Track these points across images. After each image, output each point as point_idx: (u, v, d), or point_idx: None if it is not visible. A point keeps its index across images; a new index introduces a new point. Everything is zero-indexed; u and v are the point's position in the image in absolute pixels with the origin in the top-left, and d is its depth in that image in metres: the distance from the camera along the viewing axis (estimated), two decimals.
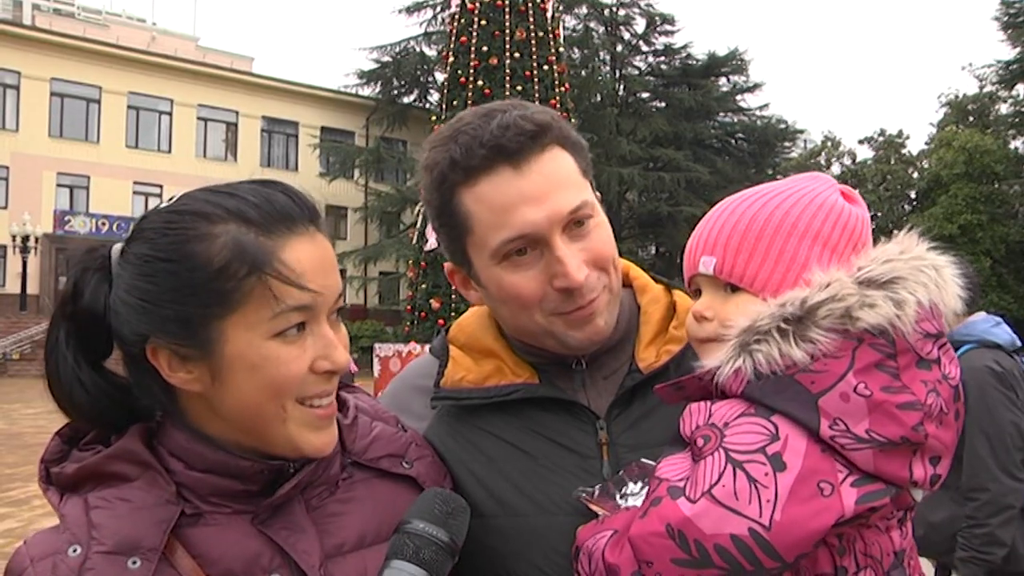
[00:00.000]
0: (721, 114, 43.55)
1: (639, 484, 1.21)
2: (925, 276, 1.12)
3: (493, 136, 1.23)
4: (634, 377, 1.36)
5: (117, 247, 1.12)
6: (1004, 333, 3.65)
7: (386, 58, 40.31)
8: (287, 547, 1.09)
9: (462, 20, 15.08)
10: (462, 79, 14.47)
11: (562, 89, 15.56)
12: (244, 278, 1.02)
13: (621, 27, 40.95)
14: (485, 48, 14.72)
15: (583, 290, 1.27)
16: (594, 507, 1.21)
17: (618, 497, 1.20)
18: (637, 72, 42.13)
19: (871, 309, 1.07)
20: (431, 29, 39.00)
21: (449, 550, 1.11)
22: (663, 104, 41.67)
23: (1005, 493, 3.39)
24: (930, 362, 1.09)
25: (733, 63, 41.98)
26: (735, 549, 1.00)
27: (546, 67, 15.06)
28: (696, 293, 1.26)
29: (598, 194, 1.41)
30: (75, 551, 1.00)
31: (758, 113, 43.88)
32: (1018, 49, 34.67)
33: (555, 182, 1.25)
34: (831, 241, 1.17)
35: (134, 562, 1.00)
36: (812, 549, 1.03)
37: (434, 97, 38.71)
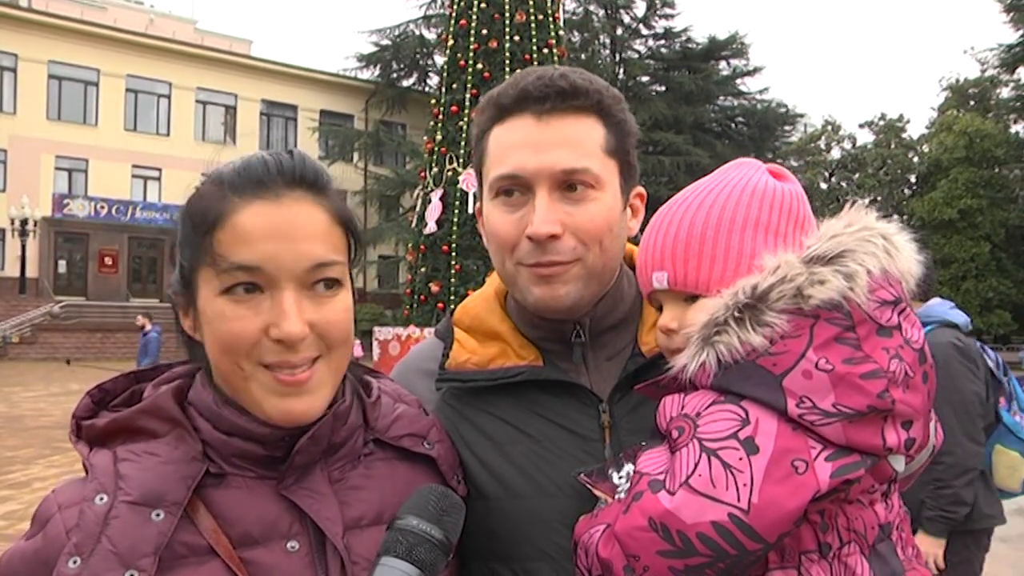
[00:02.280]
0: (721, 98, 43.32)
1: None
2: (873, 246, 1.13)
3: (527, 83, 1.30)
4: (636, 361, 1.37)
5: None
6: (960, 315, 3.96)
7: (385, 41, 40.09)
8: (311, 512, 1.12)
9: (461, 3, 15.00)
10: (462, 62, 14.40)
11: None
12: (205, 235, 1.09)
13: (621, 10, 40.72)
14: (485, 31, 14.64)
15: (546, 247, 1.28)
16: (593, 489, 1.22)
17: (616, 478, 1.21)
18: (637, 56, 41.91)
19: (821, 285, 1.08)
20: (430, 12, 38.77)
21: (443, 548, 1.09)
22: (663, 88, 41.48)
23: (969, 457, 3.71)
24: (891, 328, 1.10)
25: (733, 47, 41.76)
26: (717, 535, 1.02)
27: (546, 50, 14.99)
28: (659, 308, 1.27)
29: (640, 189, 1.44)
30: (102, 499, 1.03)
31: (758, 97, 43.67)
32: (1020, 32, 34.51)
33: (563, 139, 1.28)
34: (772, 225, 1.18)
35: (157, 514, 1.03)
36: (793, 527, 1.04)
37: (433, 80, 38.55)
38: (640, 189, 1.45)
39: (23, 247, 33.14)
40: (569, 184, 1.28)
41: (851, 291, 1.08)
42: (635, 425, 1.33)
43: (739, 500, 1.02)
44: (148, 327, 14.38)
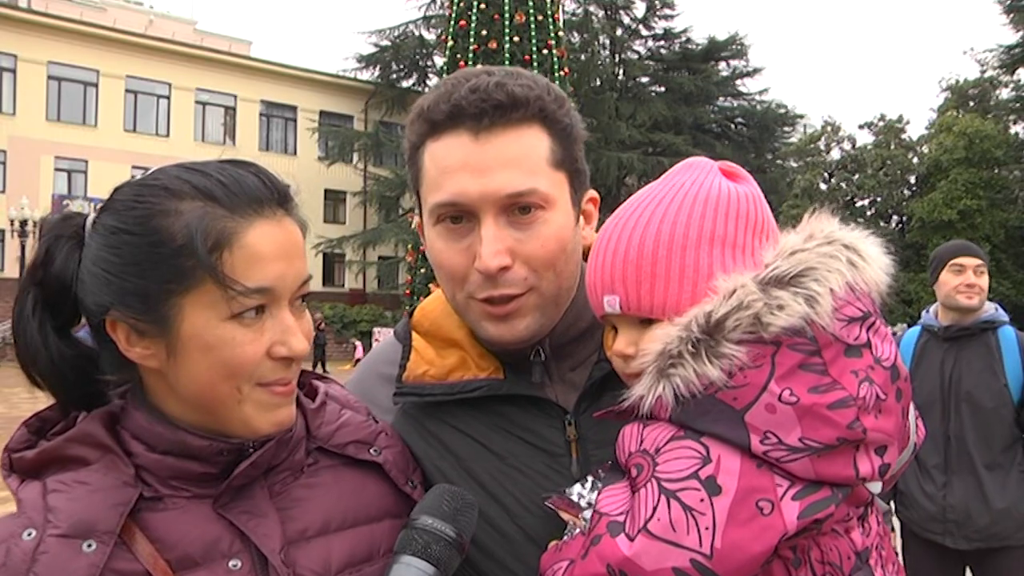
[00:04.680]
0: (721, 99, 43.44)
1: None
2: (836, 261, 1.06)
3: (459, 96, 1.18)
4: (602, 368, 1.28)
5: (92, 216, 1.11)
6: None
7: (385, 42, 40.14)
8: (247, 530, 1.08)
9: (461, 3, 15.01)
10: (461, 63, 14.41)
11: (561, 73, 15.52)
12: (209, 256, 1.01)
13: (621, 11, 40.80)
14: (484, 32, 14.66)
15: (497, 280, 1.20)
16: (562, 514, 1.18)
17: (582, 503, 1.17)
18: (637, 56, 41.98)
19: (780, 311, 1.00)
20: (430, 12, 38.81)
21: (457, 546, 1.11)
22: (663, 88, 41.56)
23: None
24: (860, 347, 1.03)
25: (733, 47, 41.85)
26: None
27: (545, 51, 15.02)
28: (613, 329, 1.18)
29: (593, 193, 1.35)
30: (30, 535, 0.99)
31: (758, 98, 43.81)
32: (1020, 33, 34.51)
33: (506, 159, 1.18)
34: (728, 237, 1.09)
35: (89, 545, 0.99)
36: (760, 570, 0.99)
37: (433, 81, 38.52)
38: (592, 193, 1.34)
39: (23, 248, 33.03)
40: (516, 207, 1.19)
41: (815, 314, 1.00)
42: (602, 437, 1.24)
43: (701, 545, 0.96)
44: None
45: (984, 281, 3.81)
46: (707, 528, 0.96)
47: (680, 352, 1.03)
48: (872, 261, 1.09)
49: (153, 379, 1.10)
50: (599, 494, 1.10)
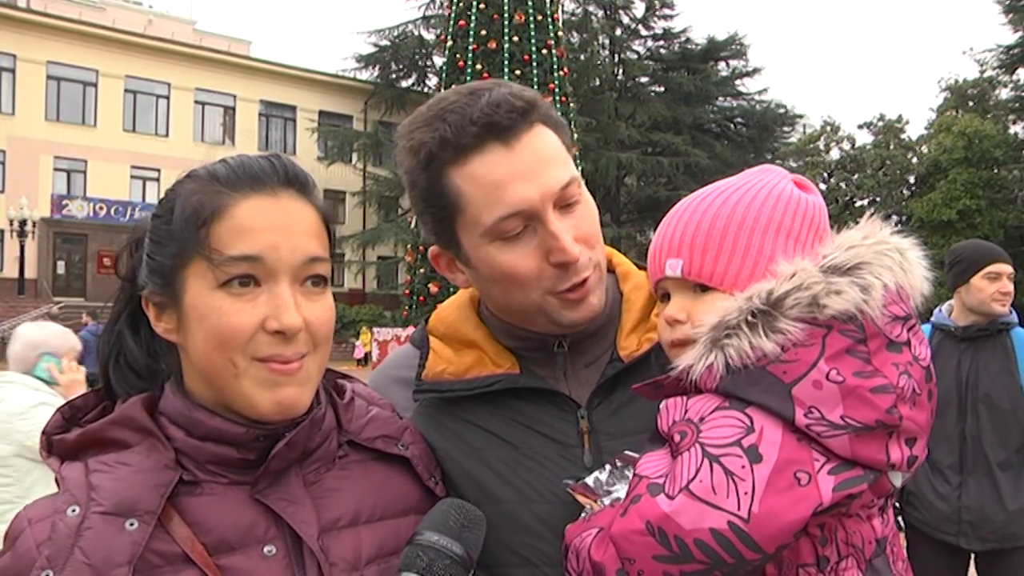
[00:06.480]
0: (720, 99, 43.41)
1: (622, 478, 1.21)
2: (889, 260, 1.13)
3: (484, 114, 1.21)
4: (615, 366, 1.36)
5: None
6: None
7: (384, 42, 40.14)
8: (286, 516, 1.11)
9: (460, 3, 15.03)
10: (460, 63, 14.44)
11: (561, 73, 15.55)
12: (199, 228, 1.08)
13: (620, 11, 40.77)
14: (484, 32, 14.68)
15: (577, 266, 1.26)
16: (579, 498, 1.22)
17: (600, 490, 1.20)
18: (636, 56, 41.96)
19: (837, 296, 1.08)
20: (429, 12, 38.82)
21: (463, 564, 1.09)
22: (662, 88, 41.56)
23: None
24: (900, 344, 1.09)
25: (732, 47, 41.84)
26: (715, 543, 1.01)
27: (545, 51, 15.04)
28: (664, 298, 1.26)
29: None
30: (74, 511, 1.03)
31: (757, 98, 43.74)
32: (1019, 33, 34.53)
33: (544, 158, 1.25)
34: (793, 231, 1.18)
35: (131, 524, 1.02)
36: (793, 540, 1.03)
37: (432, 81, 38.66)
38: None
39: (22, 248, 33.10)
40: (565, 198, 1.26)
41: (866, 304, 1.07)
42: (615, 429, 1.32)
43: (739, 508, 1.01)
44: (89, 324, 14.00)
45: (1011, 287, 3.83)
46: (746, 493, 1.01)
47: (739, 323, 1.10)
48: (917, 268, 1.17)
49: (184, 358, 1.15)
50: (639, 460, 1.15)
